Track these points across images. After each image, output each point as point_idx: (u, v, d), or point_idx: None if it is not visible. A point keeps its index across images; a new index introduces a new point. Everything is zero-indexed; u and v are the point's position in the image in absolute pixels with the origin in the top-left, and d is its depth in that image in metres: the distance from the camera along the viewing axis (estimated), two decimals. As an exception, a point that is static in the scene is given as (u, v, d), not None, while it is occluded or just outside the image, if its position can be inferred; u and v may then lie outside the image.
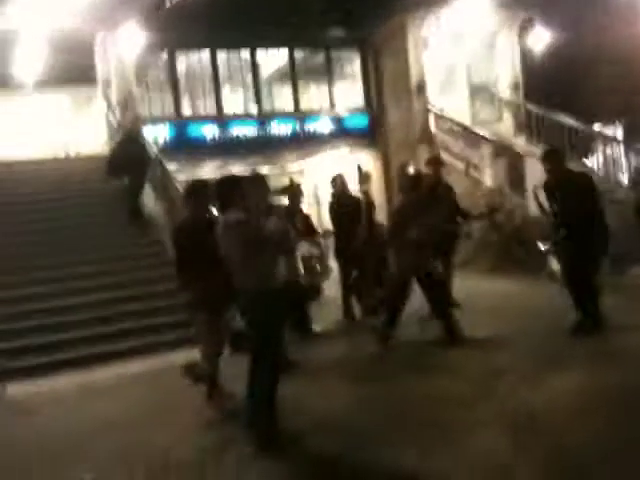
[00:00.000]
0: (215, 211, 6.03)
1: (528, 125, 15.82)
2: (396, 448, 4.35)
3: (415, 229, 6.67)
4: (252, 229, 4.49)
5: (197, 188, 5.79)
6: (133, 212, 10.76)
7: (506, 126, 16.13)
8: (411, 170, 8.72)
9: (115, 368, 7.36)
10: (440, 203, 7.35)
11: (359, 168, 8.75)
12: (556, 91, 15.56)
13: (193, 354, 6.08)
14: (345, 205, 8.39)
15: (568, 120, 14.93)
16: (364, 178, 8.43)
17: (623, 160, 12.91)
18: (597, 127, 15.29)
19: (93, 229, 10.18)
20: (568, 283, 6.82)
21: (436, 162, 8.41)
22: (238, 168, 17.11)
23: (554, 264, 7.95)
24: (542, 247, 7.77)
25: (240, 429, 4.85)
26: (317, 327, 8.08)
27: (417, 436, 4.52)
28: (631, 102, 15.82)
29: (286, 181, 8.46)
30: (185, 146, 14.73)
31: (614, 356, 5.80)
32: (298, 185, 8.02)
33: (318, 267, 7.41)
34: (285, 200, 7.00)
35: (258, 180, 5.10)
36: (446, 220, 7.39)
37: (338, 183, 8.59)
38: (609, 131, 15.51)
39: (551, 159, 6.91)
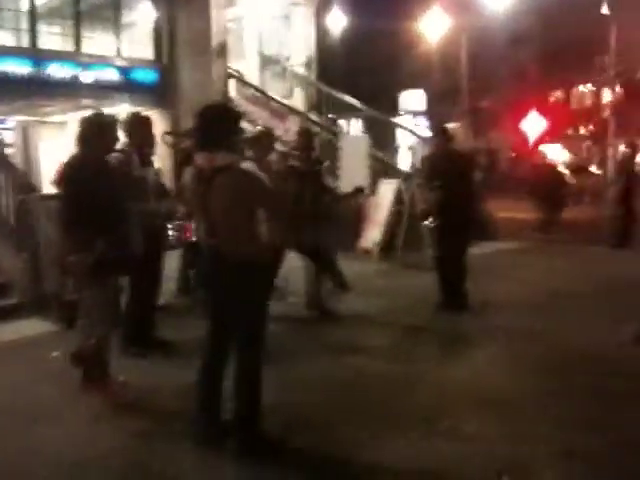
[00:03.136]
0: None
1: (319, 103, 15.93)
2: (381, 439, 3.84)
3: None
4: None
5: (102, 122, 4.53)
6: None
7: (297, 101, 15.99)
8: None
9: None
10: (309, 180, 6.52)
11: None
12: (348, 73, 15.91)
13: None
14: None
15: (357, 103, 15.38)
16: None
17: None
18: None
19: None
20: (437, 264, 6.85)
21: (305, 134, 6.76)
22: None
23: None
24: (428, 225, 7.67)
25: (192, 425, 3.85)
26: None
27: (385, 422, 4.07)
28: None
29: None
30: None
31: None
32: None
33: None
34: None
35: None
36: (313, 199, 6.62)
37: None
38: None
39: (441, 135, 6.83)
